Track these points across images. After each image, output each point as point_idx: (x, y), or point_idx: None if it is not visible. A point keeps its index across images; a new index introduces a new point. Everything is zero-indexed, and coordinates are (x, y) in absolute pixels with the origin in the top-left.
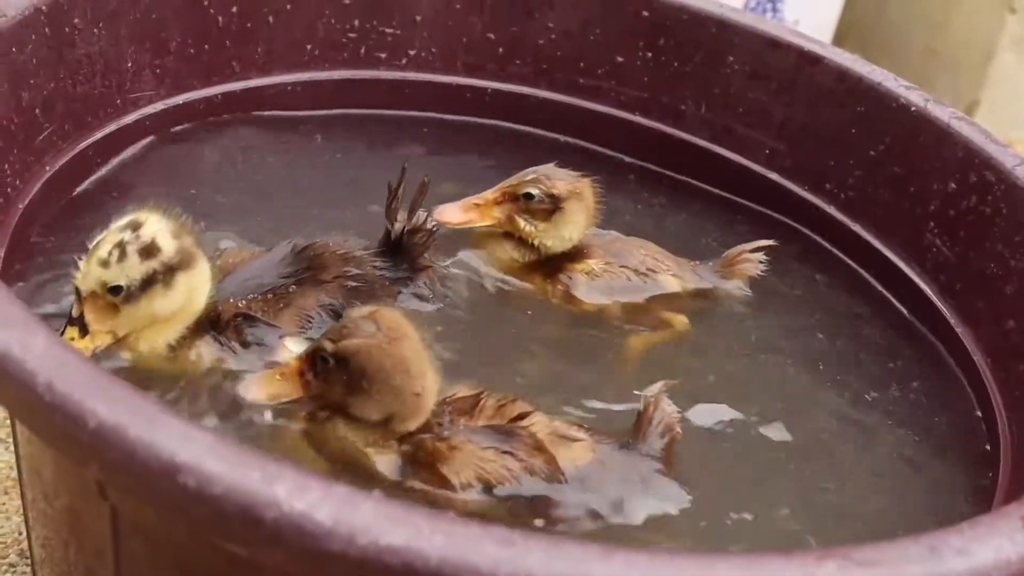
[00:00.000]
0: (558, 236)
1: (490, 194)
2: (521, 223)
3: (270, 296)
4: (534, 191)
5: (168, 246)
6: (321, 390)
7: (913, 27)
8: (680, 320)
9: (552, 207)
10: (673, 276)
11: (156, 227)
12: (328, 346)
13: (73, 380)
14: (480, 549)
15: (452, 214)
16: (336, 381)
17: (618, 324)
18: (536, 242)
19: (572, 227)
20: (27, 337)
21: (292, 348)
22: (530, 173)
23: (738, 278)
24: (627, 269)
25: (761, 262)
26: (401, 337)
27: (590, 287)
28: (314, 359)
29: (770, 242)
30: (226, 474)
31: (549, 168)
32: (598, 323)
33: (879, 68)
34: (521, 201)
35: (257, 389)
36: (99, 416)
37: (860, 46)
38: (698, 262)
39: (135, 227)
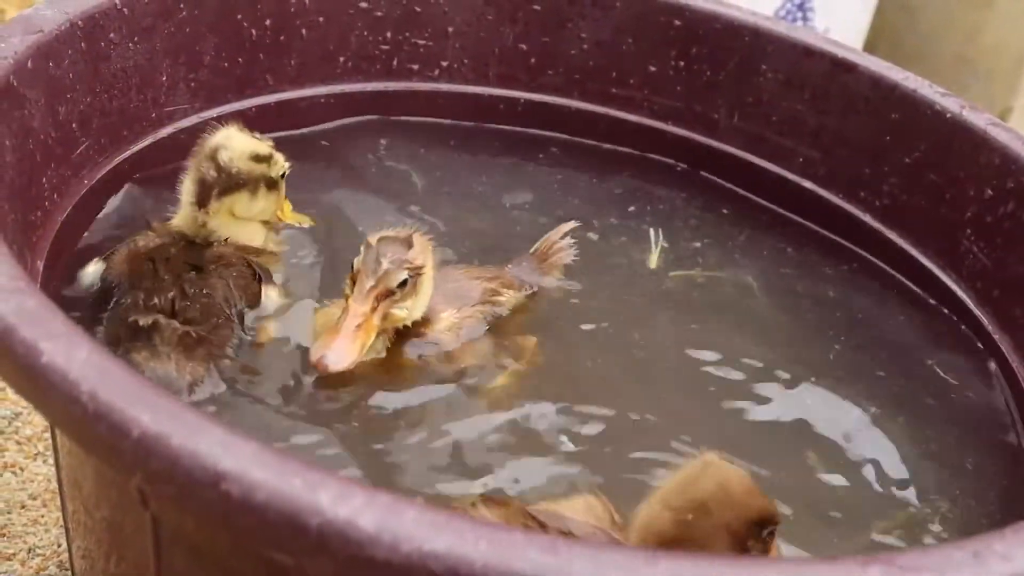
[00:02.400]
0: (422, 303)
1: (360, 306)
2: (397, 313)
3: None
4: (403, 275)
5: (227, 160)
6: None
7: (944, 34)
8: (528, 342)
9: (416, 280)
10: (507, 289)
11: (236, 146)
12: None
13: (116, 390)
14: (524, 555)
15: (342, 355)
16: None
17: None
18: (409, 322)
19: (429, 284)
20: (70, 348)
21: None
22: (382, 261)
23: (555, 270)
24: (478, 306)
25: (571, 247)
26: None
27: (459, 340)
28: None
29: (573, 224)
30: (270, 481)
31: (388, 244)
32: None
33: (913, 75)
34: (397, 293)
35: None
36: (142, 425)
37: (891, 54)
38: (510, 265)
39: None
